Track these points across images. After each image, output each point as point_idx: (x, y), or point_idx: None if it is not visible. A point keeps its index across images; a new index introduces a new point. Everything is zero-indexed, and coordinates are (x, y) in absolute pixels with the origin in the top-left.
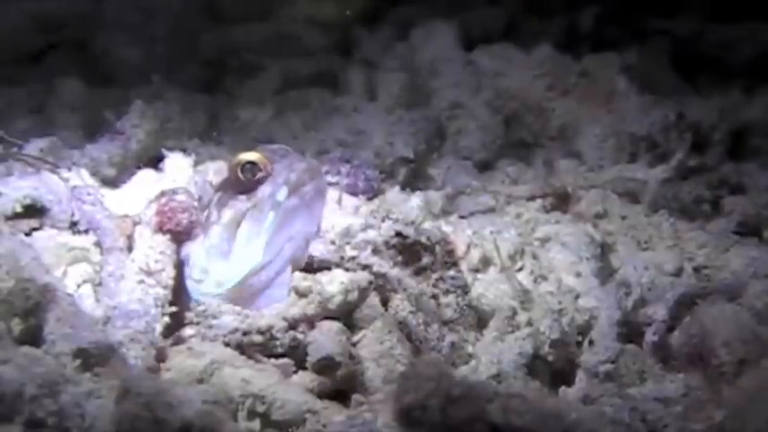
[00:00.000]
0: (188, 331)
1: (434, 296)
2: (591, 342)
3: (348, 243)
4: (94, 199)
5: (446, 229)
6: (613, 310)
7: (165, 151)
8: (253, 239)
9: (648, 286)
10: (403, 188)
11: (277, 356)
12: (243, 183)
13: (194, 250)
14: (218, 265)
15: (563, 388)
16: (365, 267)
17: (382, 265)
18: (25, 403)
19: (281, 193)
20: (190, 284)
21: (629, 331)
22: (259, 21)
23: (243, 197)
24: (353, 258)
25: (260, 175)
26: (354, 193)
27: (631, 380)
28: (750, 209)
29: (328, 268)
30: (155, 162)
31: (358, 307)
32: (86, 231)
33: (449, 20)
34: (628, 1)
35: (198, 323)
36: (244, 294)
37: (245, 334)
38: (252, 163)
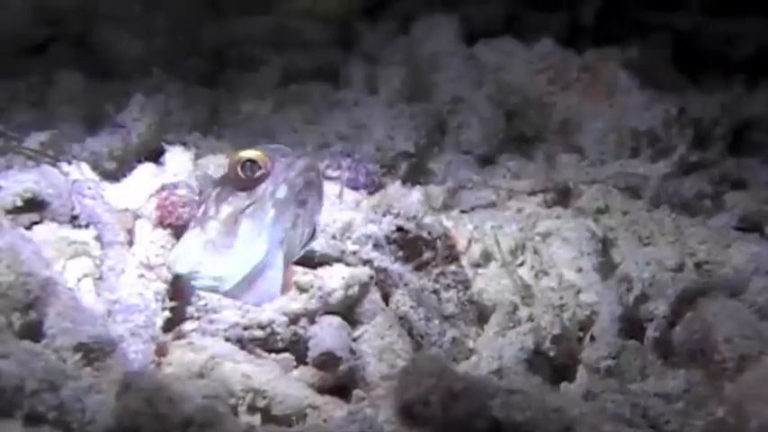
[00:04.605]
0: (188, 326)
1: (435, 291)
2: (592, 338)
3: (349, 238)
4: (95, 193)
5: (447, 223)
6: (615, 305)
7: (165, 145)
8: (255, 237)
9: (650, 282)
10: (404, 182)
11: (278, 351)
12: (242, 180)
13: (187, 242)
14: (214, 259)
15: (564, 383)
16: (366, 262)
17: (383, 259)
18: (25, 398)
19: (281, 191)
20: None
21: (631, 327)
22: (260, 14)
23: (242, 194)
24: (354, 253)
25: (260, 173)
26: (355, 188)
27: (633, 376)
28: (752, 204)
29: (329, 263)
30: (155, 156)
31: (359, 302)
32: (87, 225)
33: (450, 13)
34: None
35: (198, 318)
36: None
37: (245, 329)
38: (252, 161)
